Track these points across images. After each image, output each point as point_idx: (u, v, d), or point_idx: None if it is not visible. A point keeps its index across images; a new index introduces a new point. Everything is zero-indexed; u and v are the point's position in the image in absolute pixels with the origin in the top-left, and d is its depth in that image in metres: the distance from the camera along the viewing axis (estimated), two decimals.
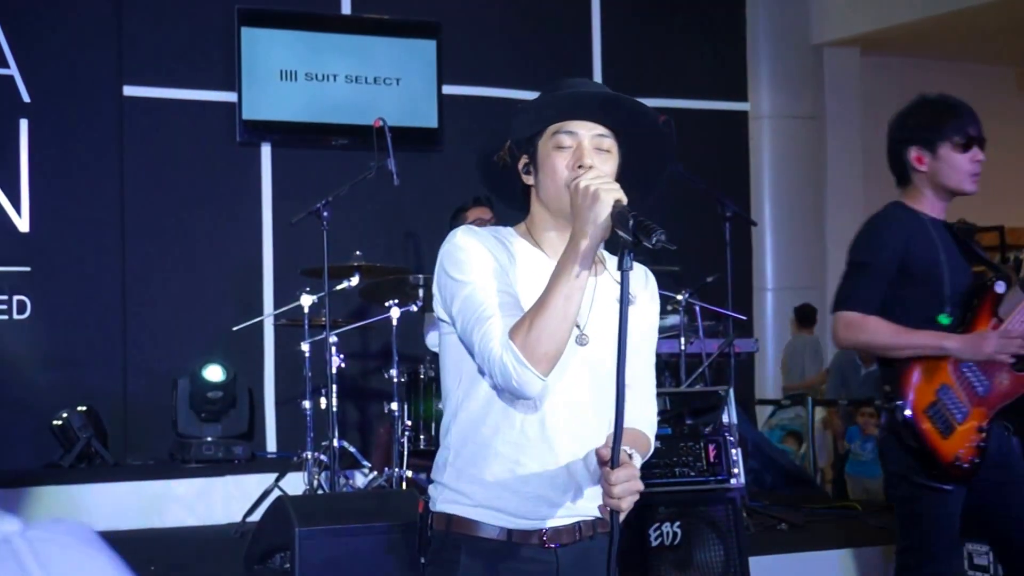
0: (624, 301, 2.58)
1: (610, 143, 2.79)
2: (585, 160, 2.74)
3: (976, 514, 4.29)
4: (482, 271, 2.73)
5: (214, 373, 8.05)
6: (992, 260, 4.36)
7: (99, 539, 1.40)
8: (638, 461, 2.73)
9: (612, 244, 2.66)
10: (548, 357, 2.62)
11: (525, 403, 2.76)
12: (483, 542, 2.78)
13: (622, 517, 2.64)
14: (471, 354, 2.73)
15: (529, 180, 2.85)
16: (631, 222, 2.54)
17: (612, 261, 2.84)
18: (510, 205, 3.00)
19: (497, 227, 2.88)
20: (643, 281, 2.94)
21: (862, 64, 11.49)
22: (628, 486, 2.60)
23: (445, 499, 2.83)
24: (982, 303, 4.24)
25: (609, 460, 2.62)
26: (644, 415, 2.93)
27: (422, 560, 2.87)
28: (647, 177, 2.86)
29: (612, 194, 2.59)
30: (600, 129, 2.78)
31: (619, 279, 2.58)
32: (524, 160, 2.85)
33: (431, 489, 2.90)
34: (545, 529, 2.81)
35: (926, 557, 4.25)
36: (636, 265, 2.75)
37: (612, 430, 2.90)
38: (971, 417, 4.23)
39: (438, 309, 2.84)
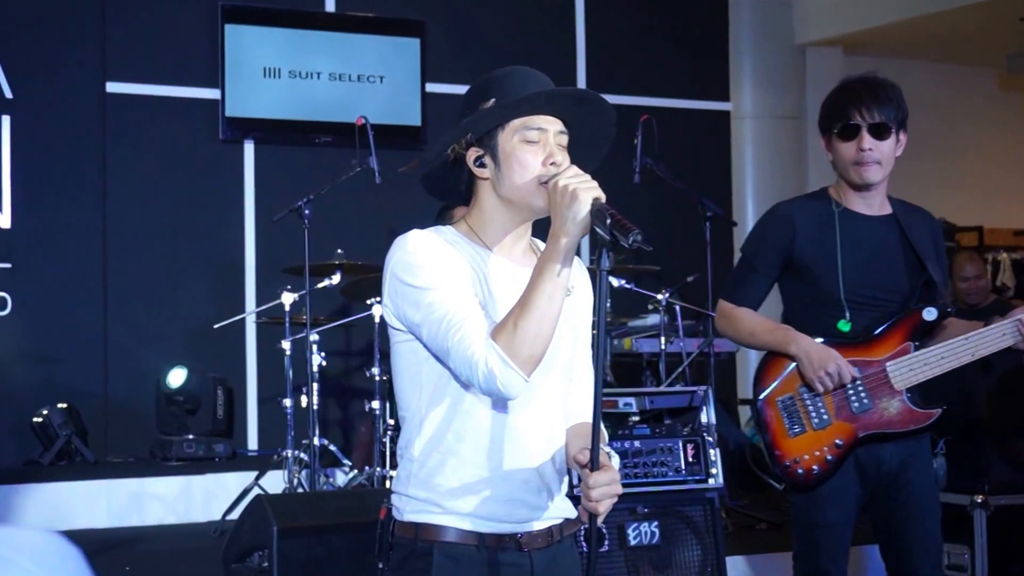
0: (601, 300, 2.62)
1: (566, 139, 2.81)
2: (557, 157, 2.74)
3: (871, 521, 4.21)
4: (442, 274, 2.69)
5: (176, 378, 8.07)
6: (934, 278, 4.14)
7: (59, 554, 1.35)
8: (617, 462, 2.72)
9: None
10: (534, 358, 2.60)
11: (491, 406, 2.74)
12: (456, 547, 2.74)
13: (600, 520, 2.63)
14: (442, 360, 2.69)
15: (483, 173, 2.81)
16: (609, 221, 2.55)
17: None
18: (443, 199, 2.99)
19: (438, 227, 2.83)
20: (578, 269, 2.90)
21: (845, 64, 11.46)
22: (607, 490, 2.60)
23: (412, 509, 2.78)
24: (901, 322, 4.06)
25: (588, 463, 2.62)
26: (590, 405, 2.92)
27: (380, 566, 2.84)
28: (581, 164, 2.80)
29: (590, 192, 2.58)
30: (561, 126, 2.79)
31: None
32: (477, 153, 2.80)
33: (394, 499, 2.85)
34: (521, 533, 2.79)
35: (812, 567, 4.13)
36: None
37: (569, 426, 2.91)
38: (832, 429, 4.05)
39: (390, 318, 2.79)
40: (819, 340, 4.10)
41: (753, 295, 4.24)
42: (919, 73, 12.40)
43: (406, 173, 6.68)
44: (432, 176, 2.90)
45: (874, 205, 4.17)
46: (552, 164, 2.73)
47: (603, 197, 2.60)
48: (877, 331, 4.09)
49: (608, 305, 7.72)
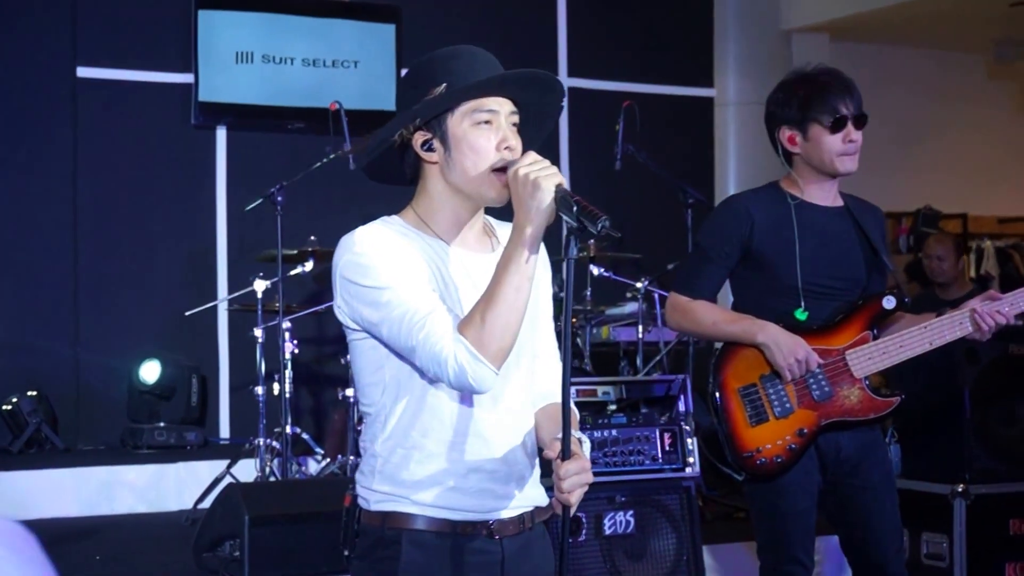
0: (569, 288, 2.55)
1: (518, 118, 2.75)
2: (511, 141, 2.69)
3: (829, 510, 4.20)
4: (396, 271, 2.63)
5: (150, 373, 8.02)
6: (888, 267, 4.20)
7: (24, 538, 1.36)
8: (587, 448, 2.68)
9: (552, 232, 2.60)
10: (503, 351, 2.57)
11: (456, 400, 2.70)
12: (425, 534, 2.71)
13: (573, 510, 2.60)
14: (407, 358, 2.64)
15: (431, 158, 2.73)
16: (575, 208, 2.50)
17: (504, 229, 2.77)
18: (385, 183, 2.88)
19: (384, 219, 2.76)
20: None
21: (831, 51, 11.40)
22: (577, 479, 2.57)
23: (378, 500, 2.74)
24: (860, 310, 4.10)
25: (559, 456, 2.58)
26: (559, 384, 2.85)
27: (346, 553, 2.80)
28: (528, 142, 2.77)
29: (552, 180, 2.53)
30: (512, 106, 2.74)
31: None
32: (425, 137, 2.72)
33: (359, 490, 2.80)
34: (492, 521, 2.76)
35: (783, 556, 4.11)
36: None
37: (539, 408, 2.88)
38: (794, 417, 4.05)
39: (344, 319, 2.74)
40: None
41: (710, 286, 4.20)
42: (906, 59, 12.37)
43: (345, 156, 6.59)
44: (374, 161, 2.83)
45: (829, 197, 4.19)
46: (507, 149, 2.68)
47: (565, 183, 2.55)
48: (836, 320, 4.11)
49: (588, 293, 7.67)
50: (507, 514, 2.78)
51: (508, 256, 2.57)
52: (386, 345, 2.67)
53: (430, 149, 2.72)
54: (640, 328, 7.36)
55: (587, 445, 2.69)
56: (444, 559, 2.71)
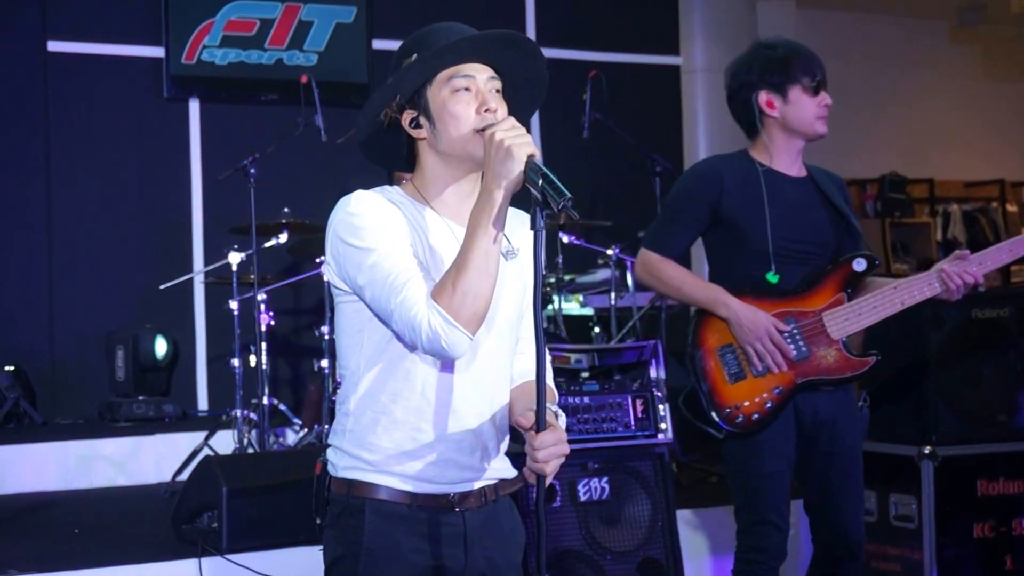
0: (538, 259, 2.58)
1: (500, 85, 2.78)
2: (491, 104, 2.72)
3: (797, 471, 4.28)
4: (384, 236, 2.67)
5: (159, 347, 8.04)
6: (858, 230, 4.34)
7: None
8: (563, 421, 2.71)
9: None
10: (476, 316, 2.59)
11: (430, 367, 2.72)
12: (387, 504, 2.74)
13: (548, 481, 2.62)
14: (385, 322, 2.68)
15: (420, 134, 2.78)
16: (540, 181, 2.53)
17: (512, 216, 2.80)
18: (394, 169, 2.94)
19: (383, 188, 2.80)
20: (523, 230, 2.87)
21: (797, 17, 11.48)
22: (553, 450, 2.59)
23: (345, 465, 2.79)
24: (832, 273, 4.20)
25: (533, 426, 2.61)
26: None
27: (318, 521, 2.85)
28: (521, 111, 2.81)
29: (524, 149, 2.56)
30: (492, 72, 2.77)
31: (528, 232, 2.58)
32: (411, 115, 2.77)
33: (330, 453, 2.85)
34: (453, 494, 2.78)
35: (758, 518, 4.20)
36: (515, 212, 2.78)
37: (515, 386, 2.91)
38: (771, 375, 4.14)
39: (333, 278, 2.78)
40: (752, 295, 4.19)
41: (678, 245, 4.31)
42: (869, 25, 12.44)
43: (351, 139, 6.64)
44: (372, 144, 2.87)
45: (795, 167, 4.29)
46: (487, 111, 2.71)
47: (537, 154, 2.58)
48: (811, 283, 4.20)
49: (560, 261, 7.71)
50: (468, 487, 2.81)
51: (475, 221, 2.60)
52: (370, 308, 2.70)
53: (418, 126, 2.77)
54: (612, 295, 7.42)
55: (563, 419, 2.72)
56: (407, 529, 2.75)
